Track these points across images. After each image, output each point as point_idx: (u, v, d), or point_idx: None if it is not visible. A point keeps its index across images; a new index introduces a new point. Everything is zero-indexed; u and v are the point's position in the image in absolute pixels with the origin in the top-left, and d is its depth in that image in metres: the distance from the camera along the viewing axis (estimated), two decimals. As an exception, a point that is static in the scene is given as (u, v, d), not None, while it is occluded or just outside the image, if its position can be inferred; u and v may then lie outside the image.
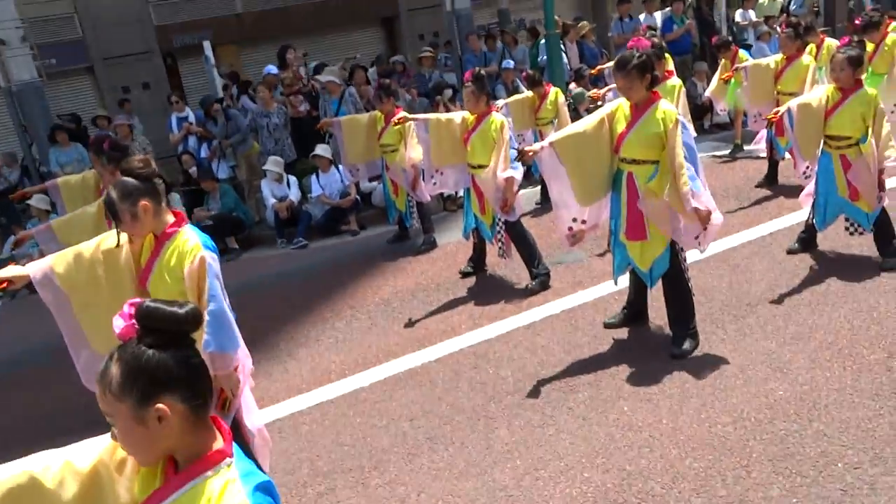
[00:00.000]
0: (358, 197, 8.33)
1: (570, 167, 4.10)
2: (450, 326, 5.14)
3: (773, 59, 7.01)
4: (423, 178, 6.18)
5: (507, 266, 5.96)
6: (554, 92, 7.52)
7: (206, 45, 10.01)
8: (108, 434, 1.62)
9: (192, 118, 9.43)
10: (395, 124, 6.05)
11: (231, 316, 2.95)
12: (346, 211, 8.18)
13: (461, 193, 8.22)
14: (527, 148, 4.26)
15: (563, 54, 10.02)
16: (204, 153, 9.09)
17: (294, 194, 8.30)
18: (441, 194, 8.20)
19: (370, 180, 8.30)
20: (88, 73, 13.98)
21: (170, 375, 1.44)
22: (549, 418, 3.78)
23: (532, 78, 7.48)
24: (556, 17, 9.87)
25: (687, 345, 4.19)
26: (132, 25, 13.91)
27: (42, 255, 7.23)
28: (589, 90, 8.31)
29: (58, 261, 3.06)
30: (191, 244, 2.93)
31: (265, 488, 1.49)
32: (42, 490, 1.51)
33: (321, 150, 8.20)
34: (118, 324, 1.49)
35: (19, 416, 5.07)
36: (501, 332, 4.88)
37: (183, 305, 1.50)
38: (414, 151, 6.63)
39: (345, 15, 15.71)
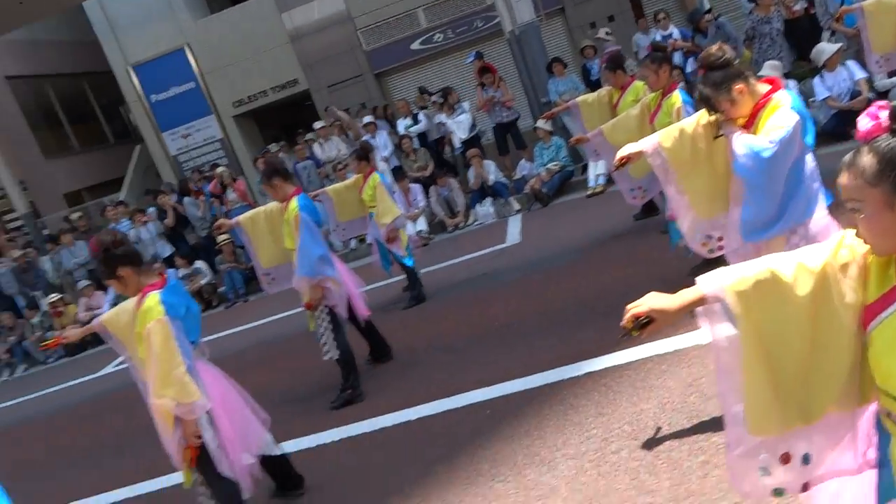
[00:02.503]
0: (871, 95, 7.43)
1: None
2: None
3: None
4: None
5: None
6: None
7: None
8: (832, 239, 1.73)
9: (676, 34, 9.51)
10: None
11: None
12: (858, 113, 7.36)
13: None
14: None
15: None
16: (690, 68, 9.12)
17: (793, 99, 7.77)
18: None
19: (889, 75, 7.31)
20: (560, 13, 15.14)
21: None
22: None
23: None
24: None
25: None
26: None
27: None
28: None
29: (664, 137, 3.40)
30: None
31: None
32: (781, 284, 1.68)
33: (827, 47, 7.50)
34: (864, 123, 1.58)
35: (570, 299, 5.85)
36: None
37: None
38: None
39: None
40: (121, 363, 9.45)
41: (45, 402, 9.08)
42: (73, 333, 3.95)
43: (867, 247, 1.63)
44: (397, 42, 15.50)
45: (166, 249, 11.43)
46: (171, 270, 11.06)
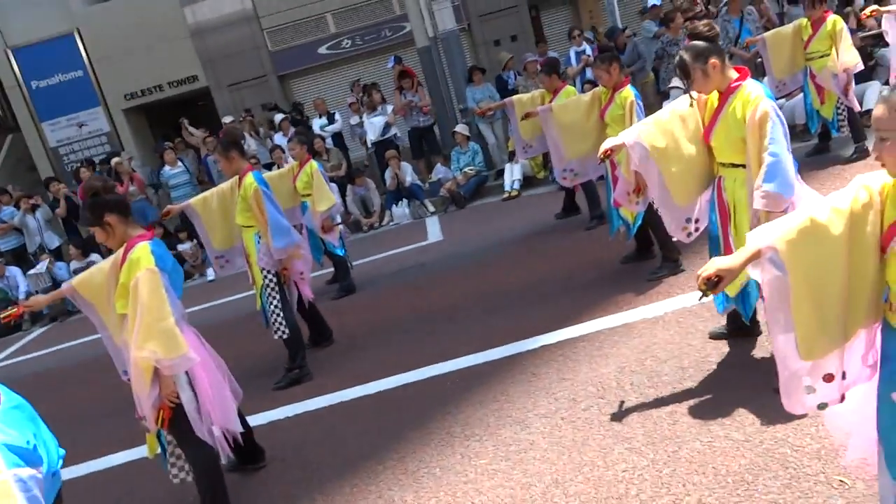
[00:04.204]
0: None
1: None
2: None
3: None
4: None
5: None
6: None
7: (608, -19, 10.58)
8: (852, 183, 2.04)
9: (588, 52, 10.14)
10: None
11: (790, 160, 3.27)
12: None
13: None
14: None
15: None
16: (601, 83, 9.74)
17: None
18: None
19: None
20: (465, 31, 15.62)
21: None
22: None
23: None
24: None
25: None
26: (504, -18, 15.20)
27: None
28: None
29: (643, 130, 3.65)
30: (753, 95, 3.32)
31: None
32: (819, 227, 1.99)
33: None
34: None
35: (509, 285, 6.10)
36: None
37: None
38: (848, 55, 6.46)
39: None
40: (13, 353, 8.80)
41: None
42: (38, 300, 3.73)
43: (881, 182, 1.96)
44: (304, 45, 15.39)
45: (55, 240, 10.71)
46: (61, 263, 10.39)
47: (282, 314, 5.06)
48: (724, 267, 2.08)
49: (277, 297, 5.07)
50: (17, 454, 1.71)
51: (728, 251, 3.57)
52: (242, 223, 5.11)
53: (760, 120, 3.25)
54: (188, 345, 3.30)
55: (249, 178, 4.95)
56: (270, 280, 5.05)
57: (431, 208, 10.13)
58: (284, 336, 5.09)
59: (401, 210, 10.12)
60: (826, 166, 6.82)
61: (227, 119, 11.69)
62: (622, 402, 3.70)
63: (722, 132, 3.49)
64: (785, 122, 3.31)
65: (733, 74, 3.44)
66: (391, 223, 10.15)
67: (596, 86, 9.43)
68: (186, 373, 3.36)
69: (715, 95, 3.52)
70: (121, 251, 3.38)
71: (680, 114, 3.65)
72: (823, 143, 7.26)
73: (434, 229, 9.09)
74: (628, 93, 5.13)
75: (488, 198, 10.13)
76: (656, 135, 3.64)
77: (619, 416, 3.59)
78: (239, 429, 3.69)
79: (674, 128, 3.64)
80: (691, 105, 3.60)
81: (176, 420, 3.35)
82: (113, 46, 15.06)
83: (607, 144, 3.77)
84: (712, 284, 2.10)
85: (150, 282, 3.17)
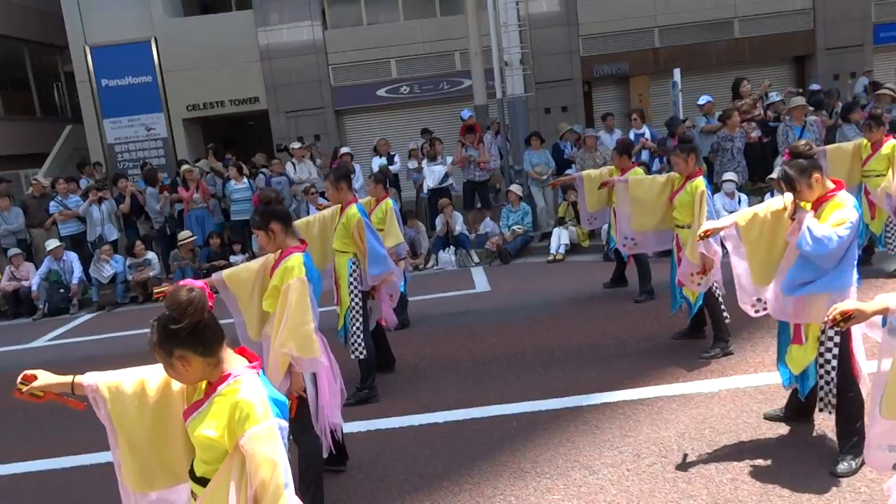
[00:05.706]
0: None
1: None
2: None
3: None
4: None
5: None
6: None
7: (677, 72, 11.23)
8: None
9: (648, 135, 10.73)
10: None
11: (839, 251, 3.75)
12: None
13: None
14: None
15: None
16: (656, 167, 10.30)
17: (743, 211, 9.06)
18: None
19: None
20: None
21: None
22: None
23: None
24: None
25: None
26: (563, 55, 15.98)
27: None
28: None
29: (741, 217, 4.16)
30: (845, 204, 3.81)
31: None
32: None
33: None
34: None
35: (564, 342, 6.50)
36: None
37: None
38: (901, 179, 6.97)
39: (756, 53, 16.13)
40: (62, 334, 9.16)
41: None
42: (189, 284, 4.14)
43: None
44: (364, 85, 16.13)
45: (114, 233, 11.17)
46: (118, 256, 10.82)
47: (362, 336, 5.47)
48: (860, 308, 2.57)
49: (361, 319, 5.48)
50: (278, 407, 2.12)
51: (798, 335, 4.00)
52: (339, 248, 5.54)
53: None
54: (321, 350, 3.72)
55: (353, 209, 5.42)
56: (357, 303, 5.47)
57: (476, 259, 10.59)
58: (361, 356, 5.48)
59: (447, 256, 10.57)
60: (868, 277, 7.26)
61: (295, 145, 12.22)
62: (685, 464, 4.07)
63: None
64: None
65: (830, 185, 3.91)
66: (435, 267, 10.59)
67: (649, 168, 10.06)
68: (313, 373, 3.77)
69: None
70: (272, 256, 3.83)
71: (773, 210, 4.12)
72: (866, 256, 7.72)
73: (481, 279, 9.52)
74: (700, 182, 5.62)
75: (531, 257, 10.58)
76: (751, 225, 4.13)
77: (682, 475, 3.96)
78: (342, 423, 4.07)
79: (766, 221, 4.11)
80: (789, 215, 4.05)
81: (298, 412, 3.74)
82: (185, 58, 15.82)
83: (708, 226, 4.24)
84: (847, 318, 2.56)
85: (300, 290, 3.61)
